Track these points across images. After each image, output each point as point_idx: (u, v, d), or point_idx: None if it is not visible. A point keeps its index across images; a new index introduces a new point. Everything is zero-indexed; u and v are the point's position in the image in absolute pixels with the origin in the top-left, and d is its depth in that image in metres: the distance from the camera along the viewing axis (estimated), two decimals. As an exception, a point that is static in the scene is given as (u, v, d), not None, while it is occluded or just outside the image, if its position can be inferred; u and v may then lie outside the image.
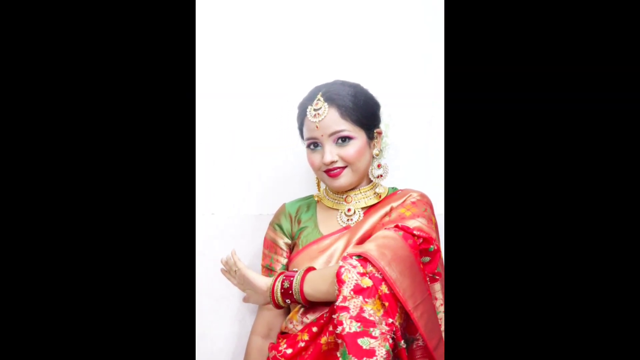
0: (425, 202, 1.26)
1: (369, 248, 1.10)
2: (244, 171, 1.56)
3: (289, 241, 1.34)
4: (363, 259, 1.08)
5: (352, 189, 1.31)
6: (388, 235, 1.14)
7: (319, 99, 1.25)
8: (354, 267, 1.06)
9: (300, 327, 1.19)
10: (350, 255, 1.10)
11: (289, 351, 1.16)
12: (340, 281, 1.05)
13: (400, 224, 1.16)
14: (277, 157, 1.56)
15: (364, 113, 1.27)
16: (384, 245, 1.11)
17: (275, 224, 1.36)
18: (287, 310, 1.28)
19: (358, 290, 1.04)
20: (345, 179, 1.26)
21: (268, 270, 1.33)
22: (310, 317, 1.19)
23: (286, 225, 1.35)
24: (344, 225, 1.29)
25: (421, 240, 1.15)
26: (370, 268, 1.06)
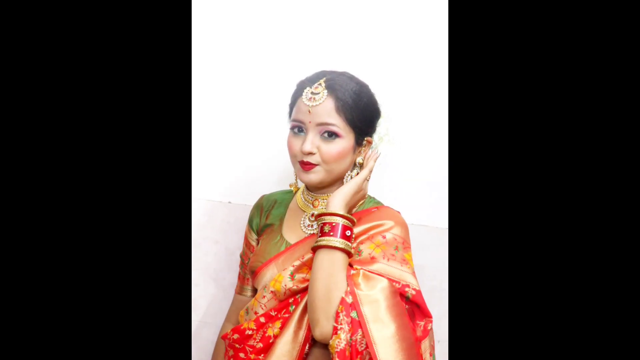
0: (396, 240, 1.12)
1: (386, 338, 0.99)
2: (238, 159, 1.54)
3: (257, 236, 1.29)
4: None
5: (322, 193, 1.22)
6: (403, 324, 1.02)
7: (320, 84, 1.15)
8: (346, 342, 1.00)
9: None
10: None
11: (236, 336, 1.15)
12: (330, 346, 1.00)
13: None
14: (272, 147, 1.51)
15: (361, 115, 1.17)
16: (401, 340, 1.00)
17: (250, 218, 1.31)
18: None
19: None
20: (316, 175, 1.16)
21: (241, 260, 1.31)
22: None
23: (256, 220, 1.28)
24: (305, 231, 1.20)
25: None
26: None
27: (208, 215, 1.51)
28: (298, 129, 1.16)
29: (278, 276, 1.14)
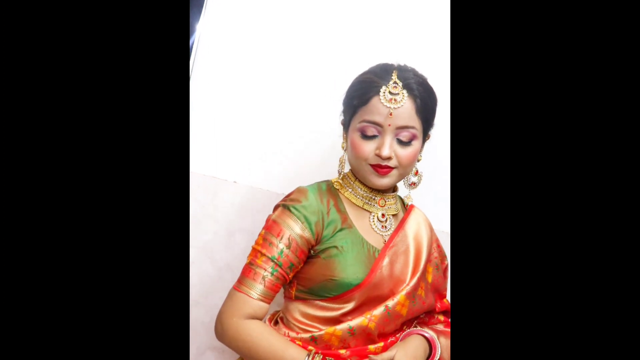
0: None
1: None
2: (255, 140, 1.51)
3: (313, 241, 1.09)
4: None
5: (385, 192, 1.17)
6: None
7: (396, 83, 1.07)
8: None
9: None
10: None
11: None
12: None
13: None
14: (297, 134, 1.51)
15: (431, 114, 1.13)
16: None
17: (302, 216, 1.09)
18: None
19: None
20: (391, 180, 1.12)
21: (273, 262, 1.06)
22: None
23: (314, 219, 1.09)
24: (379, 232, 1.15)
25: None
26: None
27: (212, 193, 1.48)
28: (370, 131, 1.08)
29: (404, 300, 1.11)
